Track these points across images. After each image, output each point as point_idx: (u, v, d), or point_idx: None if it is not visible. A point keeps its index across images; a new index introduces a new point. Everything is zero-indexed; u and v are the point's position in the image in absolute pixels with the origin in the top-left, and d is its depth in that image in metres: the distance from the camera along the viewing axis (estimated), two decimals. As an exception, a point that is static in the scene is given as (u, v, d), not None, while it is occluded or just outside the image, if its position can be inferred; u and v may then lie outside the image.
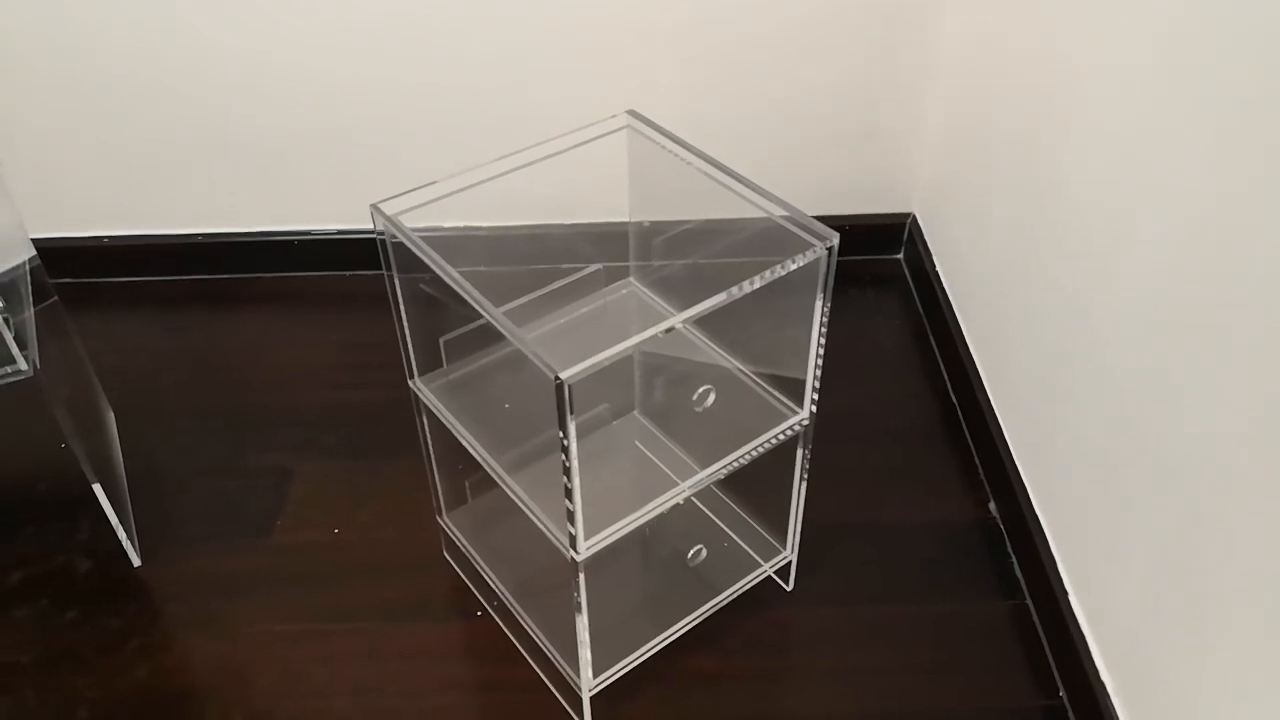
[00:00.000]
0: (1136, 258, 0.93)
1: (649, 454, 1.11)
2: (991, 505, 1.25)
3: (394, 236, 0.90)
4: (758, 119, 1.48)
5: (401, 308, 0.97)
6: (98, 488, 1.13)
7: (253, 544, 1.23)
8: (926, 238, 1.54)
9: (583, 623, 0.93)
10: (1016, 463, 1.20)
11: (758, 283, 0.86)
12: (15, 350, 1.00)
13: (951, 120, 1.43)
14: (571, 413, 0.78)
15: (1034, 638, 1.11)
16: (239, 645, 1.12)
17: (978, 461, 1.30)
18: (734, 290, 0.85)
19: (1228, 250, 0.79)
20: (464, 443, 0.98)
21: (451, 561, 1.19)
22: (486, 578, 1.12)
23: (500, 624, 1.13)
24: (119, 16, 1.37)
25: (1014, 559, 1.19)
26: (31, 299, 1.12)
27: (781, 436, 0.99)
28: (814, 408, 0.99)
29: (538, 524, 0.91)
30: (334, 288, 1.61)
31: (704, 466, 0.95)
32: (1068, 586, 1.07)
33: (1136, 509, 0.94)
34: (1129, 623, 0.95)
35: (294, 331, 1.54)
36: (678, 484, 0.93)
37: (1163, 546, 0.89)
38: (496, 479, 0.96)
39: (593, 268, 1.11)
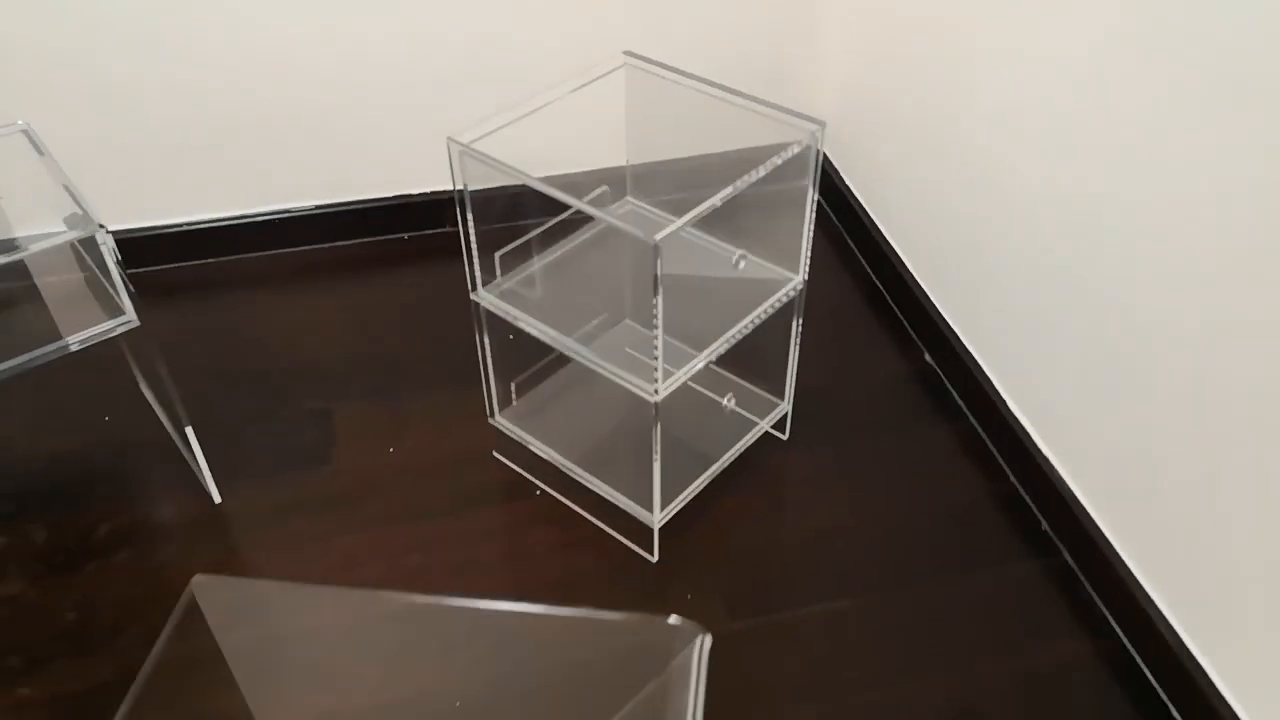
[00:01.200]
0: (1034, 104, 1.23)
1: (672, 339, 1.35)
2: (927, 356, 1.54)
3: (467, 155, 1.10)
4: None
5: (470, 225, 1.16)
6: (190, 430, 1.27)
7: (317, 471, 1.39)
8: (834, 160, 1.83)
9: (657, 461, 1.16)
10: (945, 317, 1.50)
11: (762, 171, 1.11)
12: (128, 302, 1.14)
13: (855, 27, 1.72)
14: (660, 272, 1.00)
15: (981, 446, 1.41)
16: (334, 550, 1.29)
17: (908, 325, 1.60)
18: (739, 183, 1.08)
19: (1111, 83, 1.09)
20: (535, 331, 1.18)
21: (503, 458, 1.39)
22: (545, 457, 1.32)
23: (559, 496, 1.33)
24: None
25: (953, 392, 1.48)
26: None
27: (783, 299, 1.24)
28: (806, 274, 1.25)
29: (617, 379, 1.12)
30: (319, 259, 1.76)
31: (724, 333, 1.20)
32: (1005, 398, 1.37)
33: (1060, 328, 1.24)
34: (1066, 412, 1.26)
35: (294, 303, 1.68)
36: (715, 339, 1.17)
37: (1085, 350, 1.20)
38: (571, 353, 1.16)
39: (599, 190, 1.33)
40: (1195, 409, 1.03)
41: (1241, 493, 0.99)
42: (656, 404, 1.11)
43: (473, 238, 1.17)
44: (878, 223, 1.69)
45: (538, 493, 1.35)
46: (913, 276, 1.59)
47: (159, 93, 1.57)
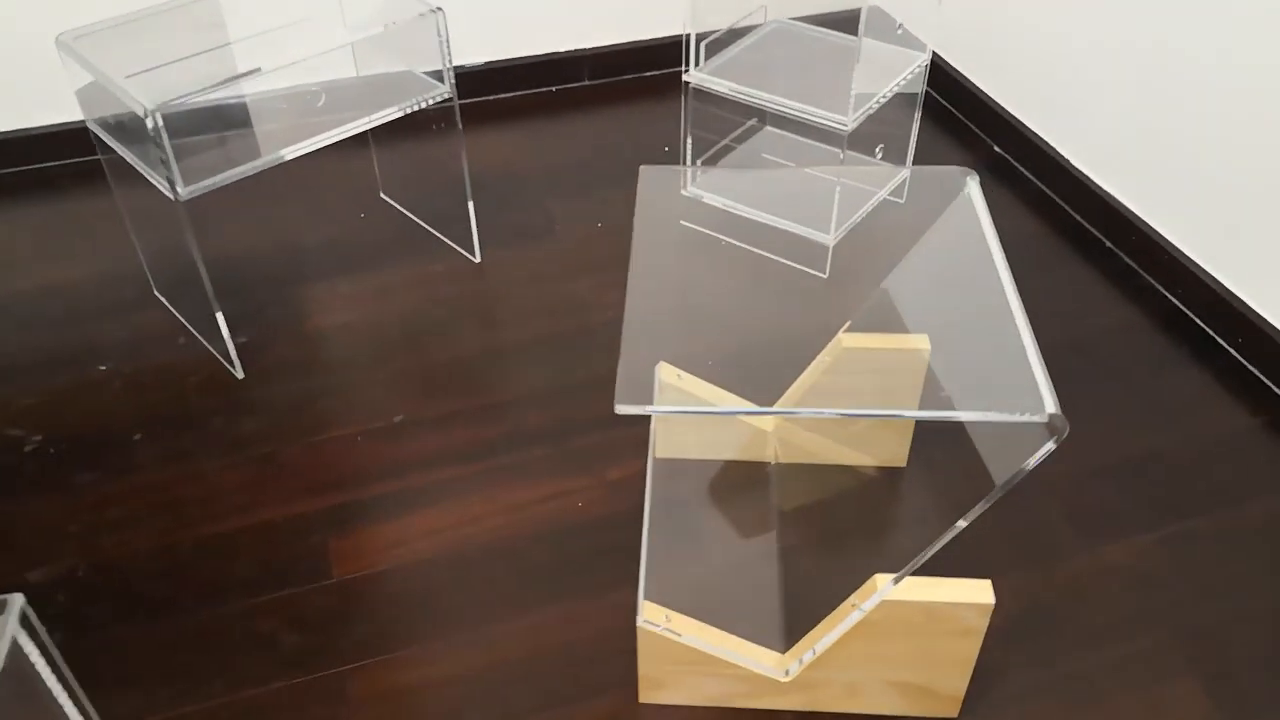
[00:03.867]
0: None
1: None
2: (995, 147, 1.99)
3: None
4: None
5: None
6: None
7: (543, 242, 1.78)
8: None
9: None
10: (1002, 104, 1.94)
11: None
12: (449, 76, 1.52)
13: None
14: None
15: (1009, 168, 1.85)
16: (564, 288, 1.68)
17: (972, 124, 2.04)
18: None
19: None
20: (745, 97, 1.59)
21: (691, 224, 1.79)
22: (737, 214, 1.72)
23: (739, 244, 1.74)
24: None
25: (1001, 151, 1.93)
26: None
27: (911, 74, 1.66)
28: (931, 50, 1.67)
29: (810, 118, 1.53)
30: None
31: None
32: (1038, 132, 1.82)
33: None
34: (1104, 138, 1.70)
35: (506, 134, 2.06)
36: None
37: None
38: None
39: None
40: None
41: None
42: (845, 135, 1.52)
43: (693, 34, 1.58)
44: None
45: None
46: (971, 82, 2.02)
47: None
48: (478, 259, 1.72)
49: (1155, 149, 1.62)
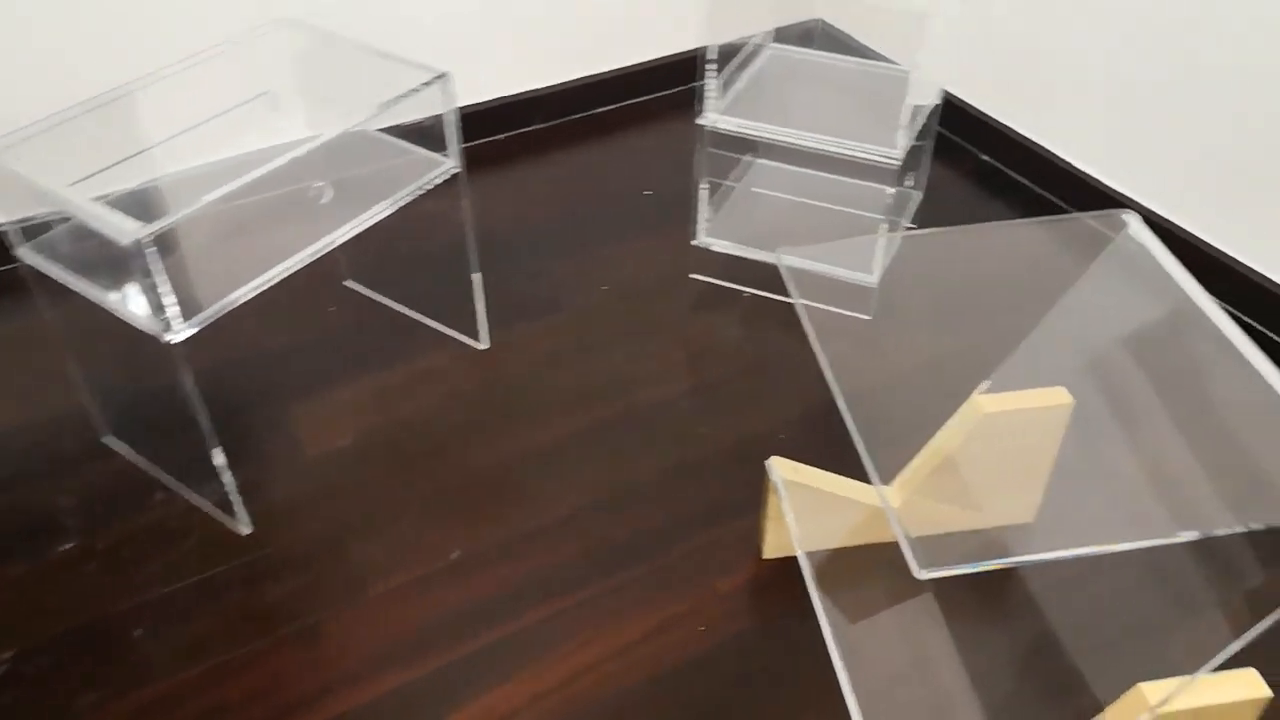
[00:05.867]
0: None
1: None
2: (982, 156, 1.92)
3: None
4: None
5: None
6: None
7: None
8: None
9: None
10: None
11: None
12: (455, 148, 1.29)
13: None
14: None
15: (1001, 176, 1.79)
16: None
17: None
18: None
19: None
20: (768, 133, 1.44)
21: (701, 277, 1.63)
22: (751, 259, 1.57)
23: (764, 294, 1.59)
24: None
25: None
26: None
27: (938, 98, 1.56)
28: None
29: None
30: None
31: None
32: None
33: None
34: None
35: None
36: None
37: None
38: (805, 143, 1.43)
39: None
40: None
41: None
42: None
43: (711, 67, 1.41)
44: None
45: (745, 294, 1.60)
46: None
47: None
48: (484, 344, 1.51)
49: (1149, 136, 1.58)
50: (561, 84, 1.98)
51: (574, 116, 2.02)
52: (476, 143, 1.90)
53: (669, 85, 2.08)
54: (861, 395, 1.23)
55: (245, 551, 1.22)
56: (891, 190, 1.43)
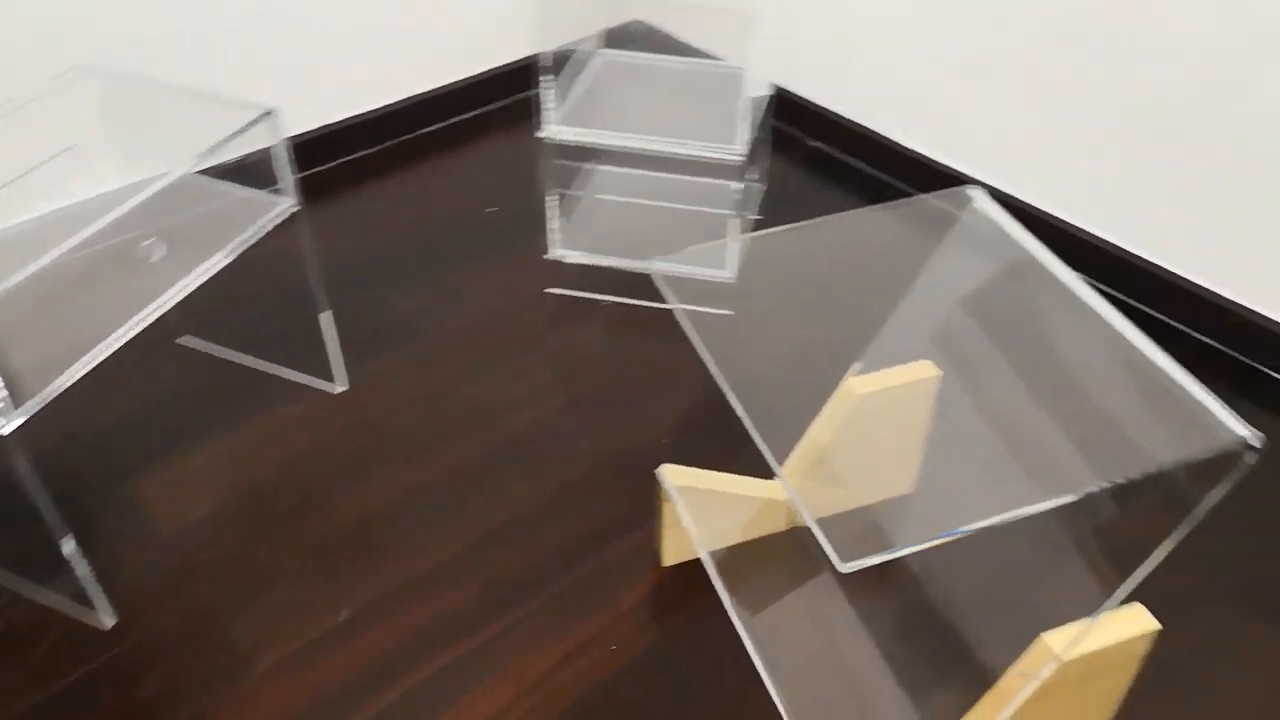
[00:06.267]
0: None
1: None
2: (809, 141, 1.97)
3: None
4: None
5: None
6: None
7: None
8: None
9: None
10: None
11: None
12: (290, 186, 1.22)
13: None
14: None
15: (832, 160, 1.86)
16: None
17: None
18: None
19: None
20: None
21: (557, 290, 1.60)
22: (603, 266, 1.56)
23: (622, 300, 1.58)
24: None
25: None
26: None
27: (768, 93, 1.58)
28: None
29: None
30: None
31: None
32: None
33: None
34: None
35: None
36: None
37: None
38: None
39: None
40: None
41: None
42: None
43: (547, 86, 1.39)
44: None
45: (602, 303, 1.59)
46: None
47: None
48: (342, 385, 1.44)
49: (975, 112, 1.66)
50: (385, 106, 1.91)
51: (403, 138, 1.96)
52: (304, 174, 1.82)
53: (497, 97, 2.04)
54: (738, 390, 1.24)
55: (112, 645, 1.12)
56: (738, 185, 1.44)
